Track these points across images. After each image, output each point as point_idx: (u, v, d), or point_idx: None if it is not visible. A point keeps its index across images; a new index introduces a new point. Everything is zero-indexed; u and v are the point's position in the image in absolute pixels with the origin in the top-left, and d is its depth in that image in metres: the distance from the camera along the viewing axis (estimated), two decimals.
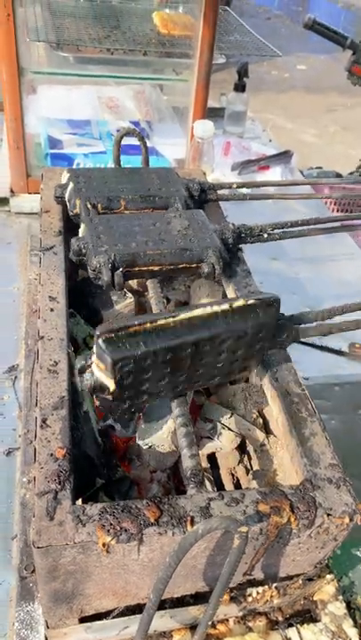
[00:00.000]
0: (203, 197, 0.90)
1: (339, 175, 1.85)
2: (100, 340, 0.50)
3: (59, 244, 0.80)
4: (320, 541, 0.55)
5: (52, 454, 0.53)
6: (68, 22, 1.40)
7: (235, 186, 0.93)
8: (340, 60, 2.17)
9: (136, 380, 0.52)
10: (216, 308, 0.55)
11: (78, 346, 0.82)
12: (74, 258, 0.74)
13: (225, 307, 0.55)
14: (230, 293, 0.79)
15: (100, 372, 0.51)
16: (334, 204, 1.76)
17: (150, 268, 0.71)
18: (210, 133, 1.23)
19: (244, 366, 0.61)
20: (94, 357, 0.51)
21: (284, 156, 1.54)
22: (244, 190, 0.97)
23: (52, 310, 0.69)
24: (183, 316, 0.53)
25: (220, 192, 0.92)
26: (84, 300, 0.88)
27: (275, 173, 1.49)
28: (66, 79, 1.44)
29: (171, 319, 0.53)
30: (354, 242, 1.39)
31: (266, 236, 0.81)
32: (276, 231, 0.82)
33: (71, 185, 0.84)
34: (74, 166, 1.24)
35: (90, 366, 0.52)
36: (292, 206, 1.45)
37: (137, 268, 0.71)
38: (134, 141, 0.93)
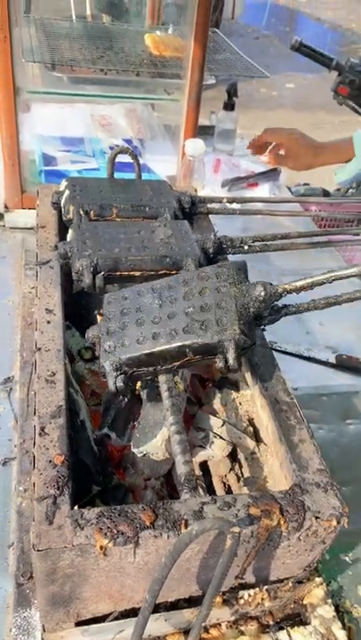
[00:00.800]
0: (193, 210, 0.93)
1: (326, 192, 1.90)
2: None
3: (55, 258, 0.82)
4: (309, 544, 0.57)
5: (50, 461, 0.55)
6: (62, 43, 1.43)
7: (225, 200, 0.96)
8: (327, 79, 2.23)
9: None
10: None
11: (73, 357, 0.84)
12: (60, 260, 0.78)
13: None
14: None
15: None
16: (322, 220, 1.80)
17: (131, 273, 0.75)
18: (201, 152, 1.27)
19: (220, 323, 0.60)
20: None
21: (272, 174, 1.58)
22: (234, 205, 0.99)
23: (48, 322, 0.71)
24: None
25: (210, 206, 0.95)
26: (78, 312, 0.90)
27: (263, 190, 1.53)
28: (59, 97, 1.47)
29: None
30: (340, 256, 1.42)
31: (246, 247, 0.85)
32: (256, 243, 0.85)
33: (67, 192, 0.88)
34: None
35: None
36: (281, 222, 1.48)
37: (118, 273, 0.75)
38: (127, 159, 0.96)
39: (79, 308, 0.90)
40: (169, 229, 0.81)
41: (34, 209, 0.97)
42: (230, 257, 0.87)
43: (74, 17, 3.29)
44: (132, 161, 0.96)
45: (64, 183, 0.91)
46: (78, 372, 0.83)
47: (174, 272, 0.76)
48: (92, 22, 1.85)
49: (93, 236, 0.78)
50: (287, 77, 5.70)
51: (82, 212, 0.84)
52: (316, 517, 0.54)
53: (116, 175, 0.98)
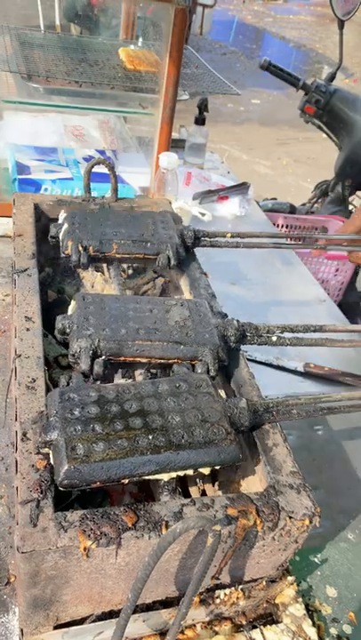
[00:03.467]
0: (196, 244, 0.91)
1: (292, 206, 1.96)
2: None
3: (32, 266, 0.83)
4: (282, 543, 0.59)
5: (33, 465, 0.56)
6: (36, 53, 1.45)
7: (229, 235, 0.94)
8: (291, 96, 2.30)
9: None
10: None
11: (50, 364, 0.85)
12: (58, 337, 0.70)
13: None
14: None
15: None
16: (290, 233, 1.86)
17: (137, 359, 0.66)
18: (174, 165, 1.30)
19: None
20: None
21: (241, 188, 1.62)
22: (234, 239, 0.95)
23: (27, 330, 0.72)
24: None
25: (212, 239, 0.92)
26: (54, 320, 0.90)
27: (233, 204, 1.57)
28: (33, 107, 1.48)
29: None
30: (306, 268, 1.47)
31: (275, 338, 0.75)
32: (285, 334, 0.76)
33: (66, 225, 0.84)
34: (41, 191, 1.27)
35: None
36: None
37: (122, 358, 0.66)
38: (102, 169, 0.98)
39: (55, 316, 0.91)
40: (186, 310, 0.73)
41: (6, 217, 0.97)
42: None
43: (42, 26, 3.29)
44: (107, 172, 0.98)
45: (63, 215, 0.88)
46: (55, 379, 0.84)
47: (188, 362, 0.68)
48: (64, 34, 1.87)
49: (98, 310, 0.69)
50: (253, 93, 5.83)
51: (80, 249, 0.81)
52: (290, 517, 0.57)
53: (92, 186, 1.00)
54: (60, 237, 0.85)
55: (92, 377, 0.65)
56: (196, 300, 0.78)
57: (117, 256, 0.83)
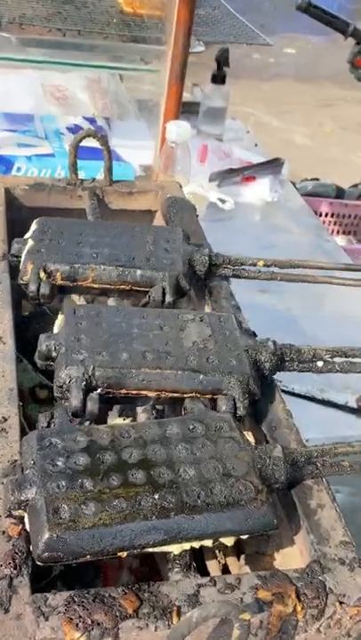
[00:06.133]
0: (213, 272, 0.86)
1: (340, 189, 1.97)
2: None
3: (3, 270, 0.84)
4: (330, 637, 0.59)
5: (4, 532, 0.56)
6: None
7: (261, 263, 0.88)
8: (338, 43, 2.30)
9: None
10: None
11: (25, 397, 0.85)
12: (39, 363, 0.70)
13: None
14: None
15: None
16: (334, 224, 1.88)
17: (142, 392, 0.66)
18: (186, 137, 1.31)
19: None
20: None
21: (272, 165, 1.64)
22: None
23: None
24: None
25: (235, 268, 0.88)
26: (30, 339, 0.91)
27: (262, 186, 1.59)
28: (4, 63, 1.51)
29: None
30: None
31: (321, 364, 0.76)
32: (336, 359, 0.76)
33: (31, 242, 0.81)
34: (14, 172, 1.29)
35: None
36: (285, 227, 1.54)
37: (124, 391, 0.66)
38: (92, 143, 0.99)
39: (31, 334, 0.92)
40: (207, 327, 0.72)
41: None
42: None
43: None
44: (99, 147, 1.00)
45: (34, 226, 0.86)
46: (31, 416, 0.84)
47: (208, 397, 0.67)
48: None
49: (93, 327, 0.69)
50: (286, 40, 5.87)
51: (43, 275, 0.78)
52: (341, 602, 0.57)
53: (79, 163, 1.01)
54: (22, 258, 0.81)
55: (84, 416, 0.66)
56: (219, 313, 0.77)
57: (95, 286, 0.79)
